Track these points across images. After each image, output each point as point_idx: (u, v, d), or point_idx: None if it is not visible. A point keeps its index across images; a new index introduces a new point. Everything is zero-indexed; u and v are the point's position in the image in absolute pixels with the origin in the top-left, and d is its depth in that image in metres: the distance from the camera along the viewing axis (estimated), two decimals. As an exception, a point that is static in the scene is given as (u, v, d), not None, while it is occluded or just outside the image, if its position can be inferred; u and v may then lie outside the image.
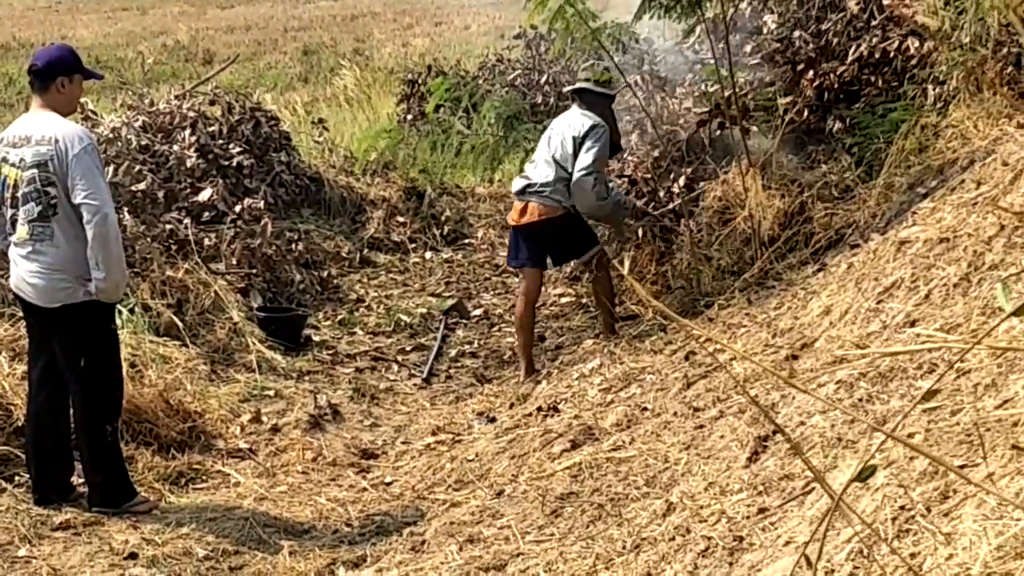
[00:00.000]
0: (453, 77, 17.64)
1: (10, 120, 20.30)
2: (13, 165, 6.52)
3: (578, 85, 9.44)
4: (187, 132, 12.06)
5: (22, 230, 6.54)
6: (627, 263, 10.06)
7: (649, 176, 10.22)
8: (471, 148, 15.68)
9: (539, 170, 9.14)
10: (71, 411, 6.84)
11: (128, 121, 11.79)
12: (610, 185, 9.38)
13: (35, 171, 6.44)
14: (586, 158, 8.94)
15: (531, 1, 9.40)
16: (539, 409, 7.98)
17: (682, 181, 9.91)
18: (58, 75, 6.61)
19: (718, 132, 10.01)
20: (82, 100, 12.61)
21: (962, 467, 3.90)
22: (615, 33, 9.75)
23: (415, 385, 9.52)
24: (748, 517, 4.80)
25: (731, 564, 4.50)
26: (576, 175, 8.95)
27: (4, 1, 49.82)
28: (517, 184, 9.30)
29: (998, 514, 3.46)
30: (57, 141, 6.41)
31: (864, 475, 2.51)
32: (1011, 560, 3.24)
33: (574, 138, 9.00)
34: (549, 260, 9.49)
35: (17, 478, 7.02)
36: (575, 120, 9.14)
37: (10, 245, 6.73)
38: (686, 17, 9.47)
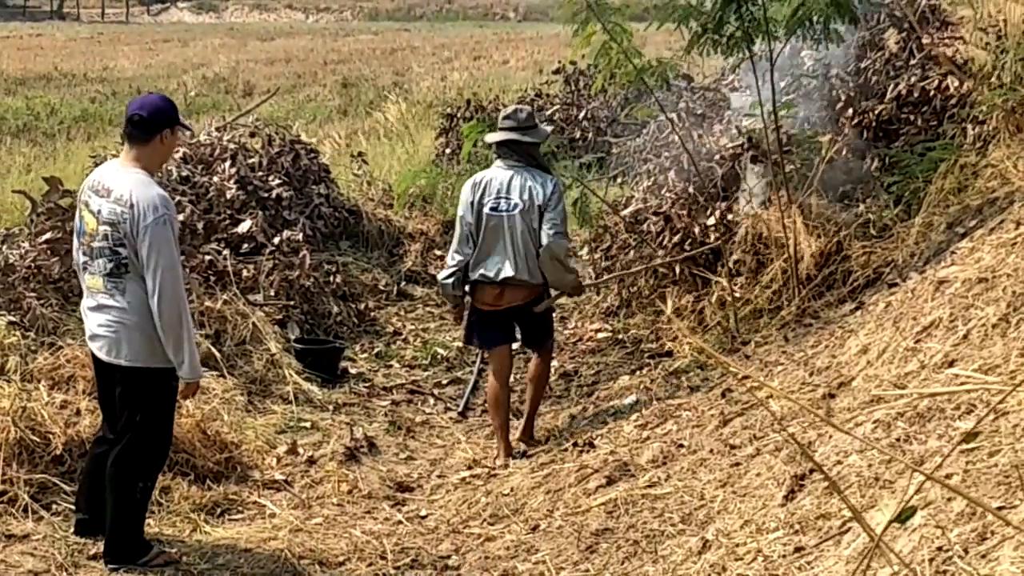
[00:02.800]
0: (492, 112, 17.71)
1: (51, 150, 20.43)
2: (92, 213, 6.34)
3: (503, 136, 8.42)
4: (227, 164, 12.14)
5: (94, 281, 6.37)
6: (670, 302, 9.99)
7: (684, 212, 10.22)
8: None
9: (516, 262, 8.28)
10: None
11: (169, 152, 11.86)
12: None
13: (108, 228, 6.25)
14: (555, 216, 8.20)
15: (576, 37, 9.43)
16: (575, 444, 7.98)
17: (718, 215, 9.90)
18: (164, 127, 6.36)
19: (755, 167, 10.01)
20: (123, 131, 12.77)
21: (1000, 508, 3.89)
22: (661, 72, 9.64)
23: (451, 419, 9.52)
24: (784, 556, 4.79)
25: (767, 603, 4.49)
26: (548, 237, 8.18)
27: (46, 32, 50.43)
28: (482, 274, 8.43)
29: (1037, 557, 3.45)
30: (133, 206, 6.18)
31: (904, 516, 2.51)
32: (1050, 603, 3.23)
33: (539, 207, 8.22)
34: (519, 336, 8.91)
35: (55, 506, 7.05)
36: (530, 186, 8.25)
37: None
38: (733, 53, 9.39)
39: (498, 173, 8.39)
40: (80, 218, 6.48)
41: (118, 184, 6.28)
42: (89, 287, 6.45)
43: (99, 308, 6.40)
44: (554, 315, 9.07)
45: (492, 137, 8.59)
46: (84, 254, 6.41)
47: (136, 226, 6.17)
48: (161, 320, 6.22)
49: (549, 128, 9.27)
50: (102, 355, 6.46)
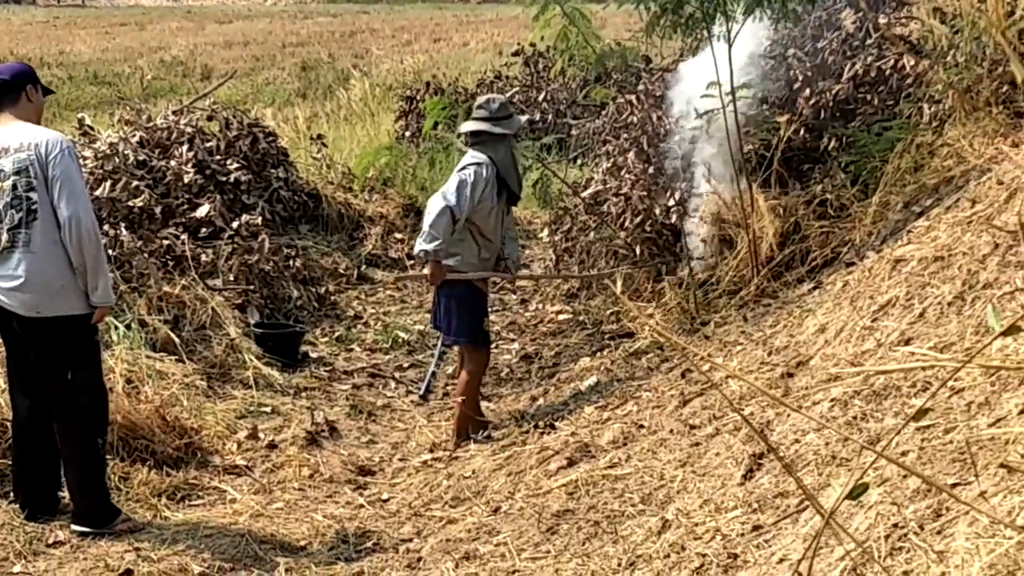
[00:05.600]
0: (451, 94, 17.70)
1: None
2: None
3: (470, 127, 8.41)
4: (185, 148, 12.08)
5: (3, 239, 6.46)
6: (619, 281, 10.02)
7: (645, 194, 10.23)
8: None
9: None
10: (54, 424, 6.81)
11: (126, 136, 11.80)
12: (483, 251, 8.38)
13: (16, 179, 6.40)
14: (445, 186, 8.18)
15: (537, 22, 9.43)
16: (536, 426, 7.99)
17: (677, 196, 9.89)
18: (25, 83, 6.61)
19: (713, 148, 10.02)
20: (80, 115, 12.69)
21: (955, 485, 3.92)
22: (620, 58, 9.66)
23: (412, 402, 9.51)
24: (743, 534, 4.82)
25: (725, 582, 4.51)
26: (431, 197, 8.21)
27: (2, 16, 49.99)
28: None
29: (990, 532, 3.48)
30: (37, 145, 6.40)
31: (855, 493, 2.53)
32: (1003, 579, 3.25)
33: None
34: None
35: (13, 495, 7.01)
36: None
37: None
38: (692, 33, 9.39)
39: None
40: None
41: (12, 138, 6.49)
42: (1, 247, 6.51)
43: (7, 264, 6.49)
44: (479, 314, 8.56)
45: (464, 127, 8.62)
46: None
47: (45, 160, 6.39)
48: (81, 243, 6.39)
49: (523, 118, 9.17)
50: (15, 309, 6.51)
